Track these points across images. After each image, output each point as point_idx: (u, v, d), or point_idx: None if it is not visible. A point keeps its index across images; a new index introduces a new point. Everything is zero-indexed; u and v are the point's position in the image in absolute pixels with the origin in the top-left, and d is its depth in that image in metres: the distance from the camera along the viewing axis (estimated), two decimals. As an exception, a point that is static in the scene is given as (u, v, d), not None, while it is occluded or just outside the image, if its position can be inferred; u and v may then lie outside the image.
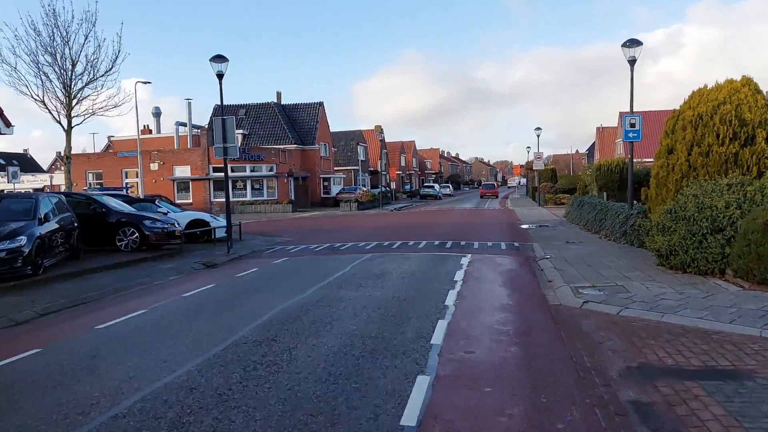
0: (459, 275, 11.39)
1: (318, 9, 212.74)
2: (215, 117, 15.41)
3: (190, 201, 42.57)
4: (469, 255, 14.53)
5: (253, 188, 43.18)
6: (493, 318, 7.92)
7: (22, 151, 76.64)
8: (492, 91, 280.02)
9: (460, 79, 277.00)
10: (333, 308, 8.55)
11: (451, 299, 9.04)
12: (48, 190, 49.23)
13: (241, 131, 49.13)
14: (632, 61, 15.49)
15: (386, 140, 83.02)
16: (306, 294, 9.77)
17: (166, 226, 16.27)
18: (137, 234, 15.77)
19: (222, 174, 43.13)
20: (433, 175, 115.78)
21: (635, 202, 16.48)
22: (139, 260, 14.67)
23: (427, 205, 51.77)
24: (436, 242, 17.68)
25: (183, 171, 42.78)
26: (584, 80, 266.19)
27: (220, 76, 16.38)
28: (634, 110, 15.59)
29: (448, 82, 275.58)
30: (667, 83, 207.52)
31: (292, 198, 46.50)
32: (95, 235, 15.83)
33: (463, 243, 17.35)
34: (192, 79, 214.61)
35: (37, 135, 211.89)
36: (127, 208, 16.90)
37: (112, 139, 49.87)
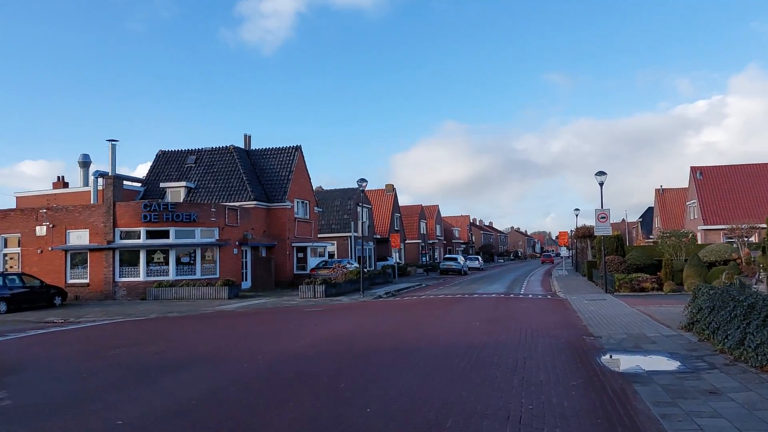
0: None
1: (357, 81, 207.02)
2: None
3: (87, 281, 29.27)
4: None
5: (179, 262, 29.61)
6: None
7: None
8: (532, 162, 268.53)
9: (499, 149, 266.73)
10: None
11: None
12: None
13: (184, 184, 36.36)
14: None
15: (402, 204, 69.70)
16: None
17: None
18: None
19: (133, 241, 30.05)
20: (462, 245, 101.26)
21: None
22: None
23: (440, 285, 37.25)
24: None
25: (79, 237, 29.64)
26: (625, 151, 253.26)
27: None
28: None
29: (488, 152, 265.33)
30: (711, 154, 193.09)
31: (245, 276, 32.89)
32: None
33: None
34: (172, 130, 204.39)
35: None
36: None
37: (17, 195, 37.52)
